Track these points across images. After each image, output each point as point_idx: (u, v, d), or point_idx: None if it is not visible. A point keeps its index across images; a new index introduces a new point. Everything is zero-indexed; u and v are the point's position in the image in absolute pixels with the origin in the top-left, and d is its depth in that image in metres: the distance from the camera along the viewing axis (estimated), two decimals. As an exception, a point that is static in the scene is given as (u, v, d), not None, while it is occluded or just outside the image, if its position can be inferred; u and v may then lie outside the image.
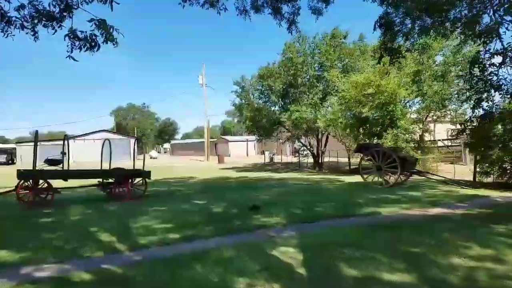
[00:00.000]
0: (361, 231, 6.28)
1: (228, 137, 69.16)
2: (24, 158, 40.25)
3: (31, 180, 10.03)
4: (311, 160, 27.38)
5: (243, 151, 60.15)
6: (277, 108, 25.96)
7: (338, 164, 25.55)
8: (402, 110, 16.90)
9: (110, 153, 11.96)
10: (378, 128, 16.89)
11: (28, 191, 9.90)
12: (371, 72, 17.31)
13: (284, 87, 24.03)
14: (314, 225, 6.86)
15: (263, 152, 47.09)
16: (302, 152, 28.38)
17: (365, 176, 13.60)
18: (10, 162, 45.40)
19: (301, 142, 27.42)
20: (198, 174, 21.46)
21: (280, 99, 24.88)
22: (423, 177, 14.21)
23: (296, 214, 7.83)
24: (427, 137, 20.26)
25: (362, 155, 14.36)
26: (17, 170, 10.11)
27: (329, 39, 23.12)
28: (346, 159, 24.61)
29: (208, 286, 3.88)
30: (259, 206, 8.51)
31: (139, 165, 12.03)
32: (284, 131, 27.66)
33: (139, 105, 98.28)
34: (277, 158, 37.22)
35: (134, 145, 13.77)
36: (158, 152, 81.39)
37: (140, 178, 11.52)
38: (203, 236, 6.07)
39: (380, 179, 12.97)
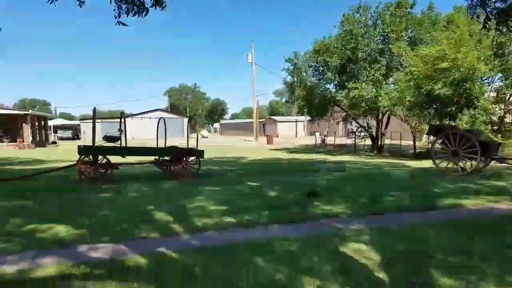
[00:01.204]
0: (449, 228, 5.30)
1: (277, 117, 68.44)
2: (87, 134, 42.79)
3: (91, 156, 10.30)
4: (368, 142, 25.97)
5: (292, 132, 59.30)
6: (332, 86, 24.69)
7: (400, 148, 23.96)
8: (481, 88, 15.08)
9: (165, 131, 12.01)
10: (453, 108, 15.28)
11: (88, 167, 10.18)
12: (445, 44, 15.42)
13: (341, 62, 22.52)
14: (387, 217, 6.09)
15: (313, 133, 46.03)
16: (359, 134, 26.93)
17: (437, 161, 12.31)
18: (75, 137, 48.64)
19: (358, 123, 25.94)
20: (248, 154, 21.26)
21: (336, 76, 23.43)
22: (505, 164, 12.59)
23: (363, 204, 7.06)
24: (508, 119, 17.82)
25: (434, 138, 13.01)
26: (78, 146, 10.41)
27: (393, 8, 21.28)
28: (409, 142, 22.88)
29: (275, 287, 3.44)
30: (318, 192, 7.94)
31: (192, 144, 11.96)
32: (339, 111, 26.39)
33: (190, 86, 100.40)
34: (328, 140, 36.07)
35: (188, 124, 13.67)
36: (209, 132, 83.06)
37: (194, 157, 11.45)
38: (260, 222, 5.65)
39: (456, 166, 11.66)
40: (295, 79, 25.60)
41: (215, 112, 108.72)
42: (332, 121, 27.75)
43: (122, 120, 11.18)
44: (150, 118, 47.67)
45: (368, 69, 21.61)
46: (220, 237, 4.95)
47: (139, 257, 4.09)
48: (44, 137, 34.81)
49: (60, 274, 3.59)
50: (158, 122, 12.46)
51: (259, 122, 48.99)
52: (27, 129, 28.19)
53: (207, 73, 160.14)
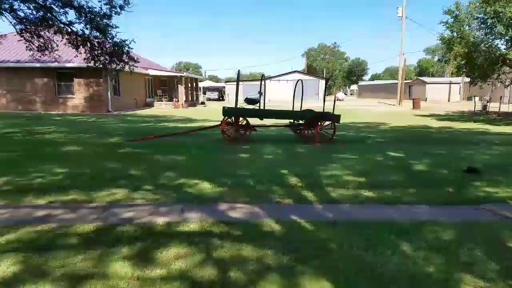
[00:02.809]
0: None
1: (426, 79, 61.06)
2: (231, 96, 46.35)
3: (233, 117, 10.96)
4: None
5: (444, 96, 52.14)
6: (502, 42, 20.41)
7: None
8: None
9: (302, 94, 11.83)
10: None
11: (230, 127, 10.89)
12: None
13: (518, 13, 18.32)
14: None
15: (470, 98, 39.59)
16: (533, 100, 21.96)
17: None
18: (220, 98, 53.27)
19: (532, 87, 21.19)
20: (389, 120, 19.63)
21: (509, 30, 19.23)
22: None
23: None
24: None
25: None
26: (223, 107, 11.17)
27: None
28: None
29: (425, 283, 2.94)
30: (479, 169, 6.67)
31: (328, 107, 11.53)
32: (509, 72, 21.85)
33: (330, 45, 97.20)
34: (491, 106, 30.46)
35: (325, 86, 13.17)
36: (345, 94, 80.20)
37: (329, 122, 11.06)
38: (405, 201, 5.04)
39: None
40: (455, 33, 21.92)
41: (354, 73, 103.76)
42: (498, 84, 23.19)
43: (262, 82, 11.45)
44: (287, 80, 48.36)
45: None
46: (358, 212, 4.59)
47: (274, 222, 4.08)
48: (195, 98, 39.07)
49: (202, 230, 3.85)
50: (296, 84, 12.37)
51: (405, 83, 44.55)
52: (181, 90, 31.92)
53: (348, 31, 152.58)
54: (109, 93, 22.82)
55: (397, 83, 42.48)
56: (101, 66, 12.34)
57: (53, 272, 2.94)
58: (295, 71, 53.76)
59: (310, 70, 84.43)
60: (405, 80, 44.22)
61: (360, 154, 8.60)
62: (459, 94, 52.42)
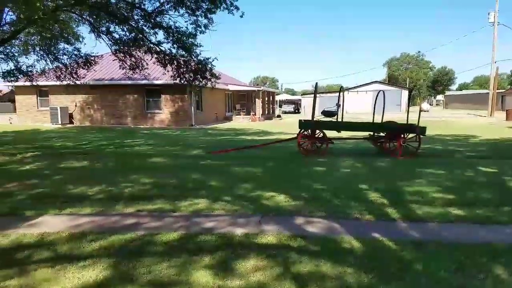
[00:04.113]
0: None
1: (524, 87, 54.38)
2: (307, 108, 46.13)
3: (309, 130, 10.89)
4: None
5: (544, 106, 45.89)
6: None
7: None
8: None
9: (384, 105, 11.34)
10: None
11: (306, 140, 10.82)
12: None
13: None
14: None
15: None
16: None
17: None
18: (296, 111, 53.35)
19: None
20: (480, 133, 17.84)
21: None
22: None
23: None
24: None
25: None
26: (299, 120, 11.18)
27: None
28: None
29: None
30: None
31: (412, 119, 10.88)
32: None
33: (413, 54, 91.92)
34: None
35: (409, 96, 12.47)
36: (430, 105, 74.79)
37: (414, 134, 10.41)
38: (498, 220, 4.56)
39: None
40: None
41: (440, 82, 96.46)
42: None
43: (341, 94, 11.24)
44: (366, 91, 46.70)
45: None
46: (446, 231, 4.25)
47: (353, 239, 3.96)
48: (271, 111, 39.72)
49: (279, 243, 3.88)
50: (377, 95, 11.93)
51: (497, 93, 40.18)
52: (258, 104, 32.75)
53: (434, 39, 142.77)
54: (192, 108, 24.29)
55: (487, 93, 38.59)
56: (186, 82, 13.22)
57: (140, 278, 3.16)
58: (375, 82, 51.70)
59: (392, 80, 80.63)
60: (497, 89, 39.91)
61: (448, 169, 7.94)
62: None
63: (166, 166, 8.64)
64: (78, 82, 16.90)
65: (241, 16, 11.38)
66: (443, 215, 4.80)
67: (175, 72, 12.88)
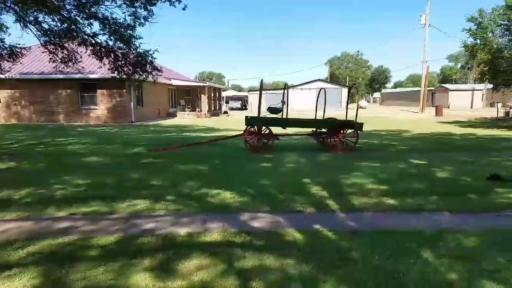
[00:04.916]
0: None
1: (449, 86, 59.54)
2: (254, 105, 46.47)
3: (255, 126, 10.96)
4: None
5: (467, 102, 50.73)
6: (526, 48, 19.90)
7: None
8: None
9: (325, 102, 11.78)
10: None
11: (253, 136, 10.89)
12: None
13: (544, 18, 17.86)
14: None
15: (493, 104, 38.43)
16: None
17: None
18: (243, 107, 53.52)
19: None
20: (412, 128, 19.24)
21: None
22: None
23: None
24: None
25: None
26: (246, 116, 11.21)
27: None
28: None
29: None
30: (502, 176, 6.49)
31: (351, 115, 11.41)
32: (534, 78, 21.21)
33: (353, 53, 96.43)
34: (514, 112, 29.37)
35: (348, 94, 13.05)
36: (368, 102, 79.17)
37: (352, 130, 10.93)
38: (427, 208, 4.95)
39: None
40: (478, 41, 21.49)
41: (377, 80, 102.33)
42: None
43: (285, 91, 11.43)
44: (310, 89, 48.13)
45: None
46: (380, 220, 4.52)
47: (296, 232, 4.07)
48: (217, 107, 39.44)
49: (223, 240, 3.86)
50: (319, 93, 12.32)
51: (427, 90, 43.57)
52: (204, 100, 32.28)
53: (372, 39, 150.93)
54: (132, 103, 23.33)
55: (419, 90, 41.65)
56: (124, 76, 12.58)
57: (74, 285, 2.97)
58: (318, 80, 53.43)
59: (333, 79, 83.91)
60: (428, 87, 43.29)
61: (382, 162, 8.45)
62: (482, 100, 50.95)
63: (102, 166, 8.22)
64: (2, 76, 15.37)
65: (184, 9, 11.08)
66: (378, 205, 5.10)
67: (112, 65, 12.20)
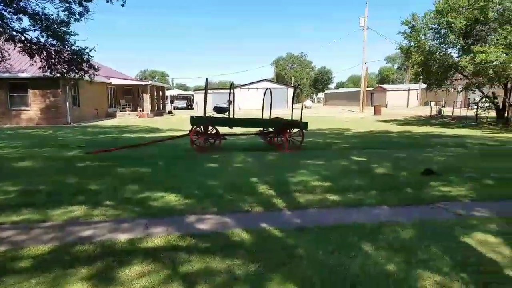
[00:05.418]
0: None
1: (386, 86, 63.74)
2: (200, 104, 45.84)
3: (202, 126, 10.77)
4: (492, 114, 22.54)
5: (403, 102, 54.55)
6: (454, 50, 21.78)
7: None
8: None
9: (271, 102, 11.92)
10: None
11: (199, 136, 10.69)
12: None
13: (467, 24, 19.63)
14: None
15: (427, 103, 41.66)
16: (482, 105, 23.49)
17: None
18: (189, 107, 52.61)
19: (482, 92, 22.57)
20: (353, 126, 20.23)
21: (460, 39, 20.54)
22: None
23: (488, 186, 6.09)
24: None
25: None
26: (191, 116, 10.98)
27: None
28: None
29: (386, 282, 2.98)
30: (435, 170, 7.00)
31: (296, 115, 11.66)
32: (460, 78, 23.25)
33: (297, 54, 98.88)
34: (445, 111, 32.14)
35: (293, 94, 13.33)
36: (312, 102, 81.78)
37: (298, 129, 11.17)
38: (367, 203, 5.17)
39: None
40: (412, 43, 23.05)
41: (320, 81, 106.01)
42: (451, 90, 24.60)
43: (231, 91, 11.38)
44: (257, 88, 48.56)
45: (499, 31, 18.45)
46: (325, 216, 4.64)
47: (243, 232, 4.03)
48: (161, 107, 38.33)
49: (167, 245, 3.71)
50: (264, 93, 12.44)
51: (367, 91, 46.08)
52: (147, 99, 31.16)
53: (315, 41, 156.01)
54: (67, 103, 21.95)
55: (360, 90, 43.87)
56: (58, 75, 11.75)
57: (4, 299, 2.71)
58: (264, 80, 54.15)
59: (279, 79, 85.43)
60: (367, 87, 45.74)
61: (326, 159, 8.72)
62: (417, 100, 54.93)
63: (35, 171, 7.59)
64: None
65: (123, 5, 10.61)
66: (322, 202, 5.23)
67: (44, 63, 11.34)
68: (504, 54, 17.82)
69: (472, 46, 19.33)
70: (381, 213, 4.77)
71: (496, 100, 21.59)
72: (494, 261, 3.29)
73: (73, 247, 3.63)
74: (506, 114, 21.06)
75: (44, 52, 11.00)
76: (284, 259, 3.36)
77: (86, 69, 11.54)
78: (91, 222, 4.39)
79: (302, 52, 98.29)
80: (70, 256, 3.44)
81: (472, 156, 9.50)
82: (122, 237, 3.90)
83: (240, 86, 50.31)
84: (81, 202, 5.12)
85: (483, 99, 23.05)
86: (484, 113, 23.17)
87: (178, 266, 3.23)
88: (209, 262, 3.29)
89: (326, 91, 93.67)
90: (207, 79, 10.82)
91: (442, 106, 33.63)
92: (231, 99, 11.21)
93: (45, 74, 12.11)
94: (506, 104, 21.02)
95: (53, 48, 11.05)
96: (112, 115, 29.49)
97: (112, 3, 10.31)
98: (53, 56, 11.08)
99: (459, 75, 22.91)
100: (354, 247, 3.62)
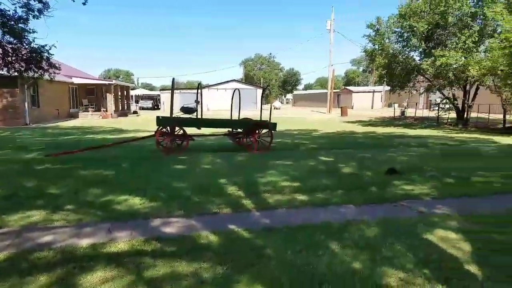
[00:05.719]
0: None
1: (352, 88, 65.37)
2: (166, 104, 45.06)
3: (168, 127, 10.56)
4: (452, 115, 23.68)
5: (368, 103, 56.17)
6: (417, 53, 22.75)
7: (487, 121, 21.43)
8: None
9: (240, 103, 11.87)
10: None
11: (165, 137, 10.47)
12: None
13: (428, 28, 20.57)
14: (478, 201, 5.37)
15: (391, 105, 43.17)
16: (443, 106, 24.66)
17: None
18: (155, 107, 51.57)
19: (442, 94, 23.68)
20: (321, 127, 20.59)
21: (422, 43, 21.48)
22: None
23: (449, 184, 6.35)
24: None
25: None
26: (157, 116, 10.73)
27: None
28: (498, 116, 20.54)
29: (352, 280, 3.03)
30: (398, 170, 7.23)
31: (265, 116, 11.70)
32: (422, 81, 24.27)
33: (266, 56, 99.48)
34: (408, 112, 33.42)
35: (262, 95, 13.37)
36: (281, 103, 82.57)
37: (267, 130, 11.20)
38: (334, 202, 5.26)
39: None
40: (376, 46, 23.78)
41: (289, 82, 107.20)
42: (413, 92, 25.65)
43: (199, 91, 11.23)
44: (225, 89, 48.37)
45: (458, 35, 19.48)
46: (293, 216, 4.66)
47: (211, 234, 3.97)
48: (126, 107, 37.33)
49: (131, 250, 3.59)
50: (233, 93, 12.37)
51: (334, 92, 47.11)
52: (110, 99, 30.19)
53: (283, 42, 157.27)
54: (26, 103, 20.92)
55: (327, 92, 44.75)
56: (16, 73, 11.15)
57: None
58: (233, 80, 53.99)
59: (248, 79, 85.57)
60: (334, 89, 46.73)
61: (295, 160, 8.80)
62: (381, 101, 56.74)
63: (-10, 174, 7.14)
64: None
65: (84, 4, 10.21)
66: (291, 202, 5.26)
67: (0, 61, 10.73)
68: (463, 58, 18.81)
69: (433, 50, 20.27)
70: (348, 212, 4.86)
71: (456, 102, 22.67)
72: (454, 257, 3.41)
73: (31, 254, 3.44)
74: (465, 115, 22.14)
75: (0, 49, 10.39)
76: (252, 260, 3.34)
77: (46, 67, 11.01)
78: (51, 227, 4.18)
79: (270, 53, 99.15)
80: (28, 264, 3.26)
81: (434, 156, 9.90)
82: (84, 242, 3.74)
83: (208, 86, 50.03)
84: (40, 207, 4.87)
85: (444, 101, 24.18)
86: (445, 114, 24.30)
87: (142, 271, 3.13)
88: (175, 266, 3.21)
89: (295, 92, 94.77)
90: (173, 78, 10.62)
91: (405, 108, 34.95)
92: (199, 99, 11.07)
93: (1, 72, 11.45)
94: (465, 105, 22.11)
95: (10, 46, 10.46)
96: (74, 116, 28.41)
97: (74, 0, 9.90)
98: (10, 54, 10.49)
99: (421, 77, 23.93)
100: (322, 246, 3.66)
